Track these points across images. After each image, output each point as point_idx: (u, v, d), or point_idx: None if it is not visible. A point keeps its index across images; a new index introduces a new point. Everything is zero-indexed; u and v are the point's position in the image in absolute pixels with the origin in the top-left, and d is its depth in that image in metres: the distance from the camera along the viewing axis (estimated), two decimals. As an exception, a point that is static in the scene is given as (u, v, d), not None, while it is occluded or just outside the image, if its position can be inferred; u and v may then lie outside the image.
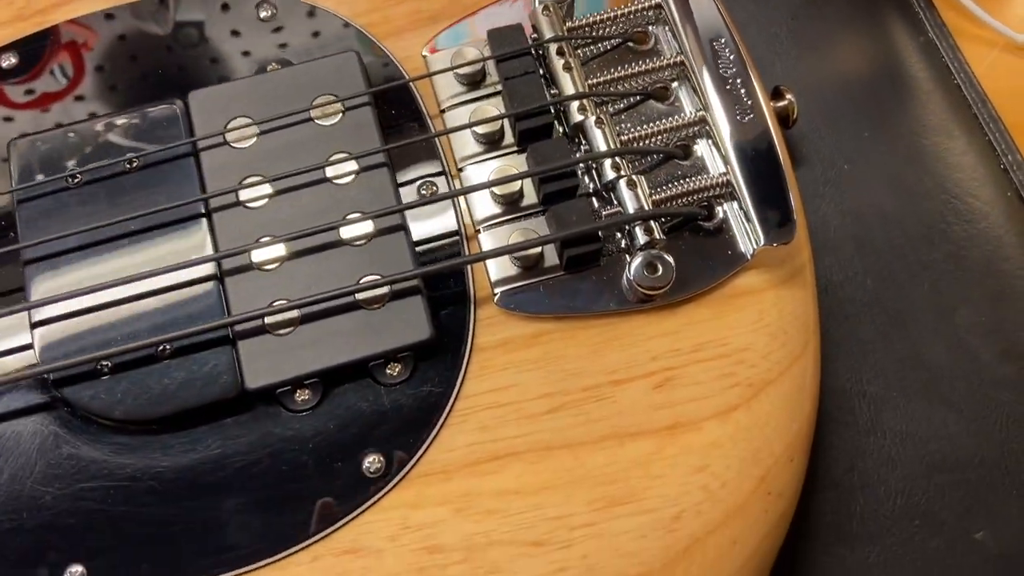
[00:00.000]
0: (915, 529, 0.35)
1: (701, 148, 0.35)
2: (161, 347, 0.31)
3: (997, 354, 0.38)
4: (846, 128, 0.41)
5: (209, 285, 0.32)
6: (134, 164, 0.34)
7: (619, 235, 0.33)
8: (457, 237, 0.33)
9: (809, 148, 0.41)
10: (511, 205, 0.34)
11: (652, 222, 0.32)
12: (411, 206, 0.33)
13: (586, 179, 0.34)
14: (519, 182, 0.33)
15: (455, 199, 0.34)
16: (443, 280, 0.33)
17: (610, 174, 0.33)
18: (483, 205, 0.34)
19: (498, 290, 0.33)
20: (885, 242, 0.40)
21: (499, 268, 0.33)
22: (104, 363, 0.31)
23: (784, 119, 0.38)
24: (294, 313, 0.31)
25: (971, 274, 0.39)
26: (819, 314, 0.34)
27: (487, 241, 0.33)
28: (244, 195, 0.33)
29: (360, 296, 0.32)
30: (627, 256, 0.33)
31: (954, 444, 0.36)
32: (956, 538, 0.35)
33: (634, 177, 0.33)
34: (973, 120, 0.42)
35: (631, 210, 0.32)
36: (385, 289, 0.32)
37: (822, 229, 0.40)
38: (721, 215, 0.34)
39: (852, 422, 0.37)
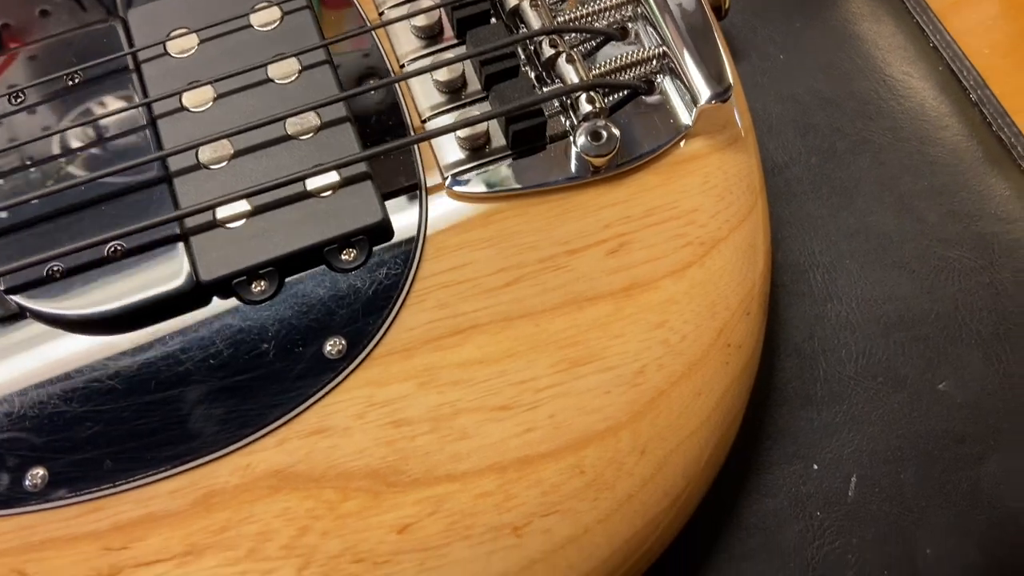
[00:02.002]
0: (878, 386, 0.34)
1: (638, 29, 0.34)
2: (112, 248, 0.30)
3: (942, 215, 0.37)
4: (778, 20, 0.41)
5: (158, 188, 0.30)
6: (76, 80, 0.33)
7: (563, 117, 0.32)
8: (403, 126, 0.32)
9: (744, 41, 0.41)
10: (455, 93, 0.33)
11: (594, 92, 0.32)
12: (354, 94, 0.32)
13: (528, 70, 0.33)
14: (461, 70, 0.33)
15: (398, 89, 0.33)
16: (393, 168, 0.32)
17: (548, 51, 0.32)
18: (427, 95, 0.33)
19: (448, 173, 0.32)
20: (825, 122, 0.39)
21: (448, 152, 0.32)
22: (55, 267, 0.30)
23: (717, 9, 0.38)
24: (245, 206, 0.30)
25: (910, 144, 0.38)
26: (765, 184, 0.34)
27: (434, 128, 0.32)
28: (187, 100, 0.32)
29: (310, 185, 0.31)
30: (572, 132, 0.32)
31: (908, 303, 0.36)
32: (920, 391, 0.34)
33: (572, 52, 0.33)
34: (900, 5, 0.42)
35: (572, 83, 0.32)
36: (335, 177, 0.31)
37: (764, 117, 0.39)
38: (661, 89, 0.33)
39: (808, 292, 0.36)
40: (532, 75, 0.33)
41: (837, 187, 0.38)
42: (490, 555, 0.27)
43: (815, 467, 0.33)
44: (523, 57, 0.34)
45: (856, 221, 0.37)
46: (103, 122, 0.32)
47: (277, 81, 0.32)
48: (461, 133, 0.32)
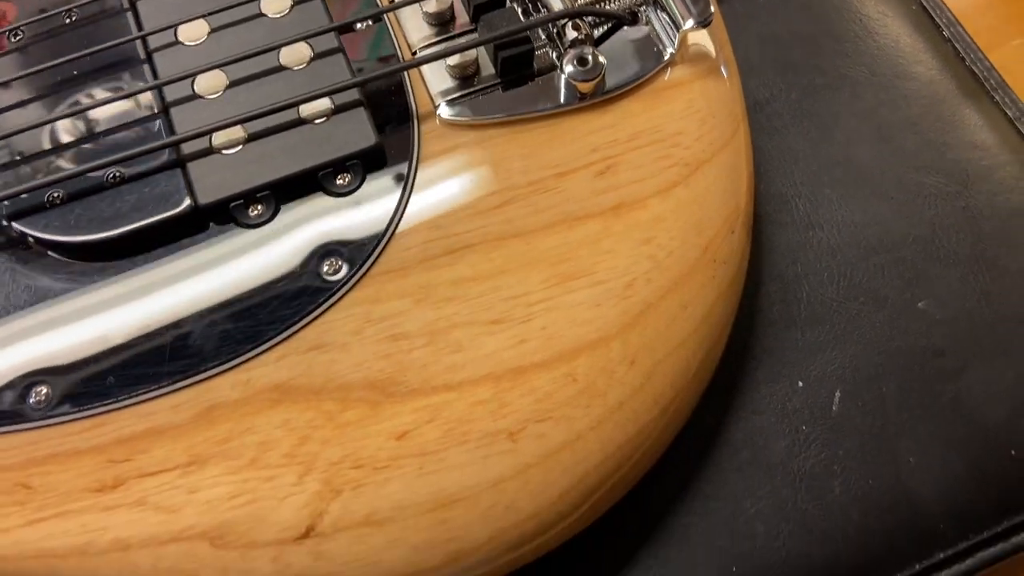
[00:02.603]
0: (860, 307, 0.35)
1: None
2: (111, 174, 0.30)
3: (918, 145, 0.38)
4: (757, -37, 0.42)
5: (155, 118, 0.31)
6: (73, 18, 0.33)
7: (550, 49, 0.33)
8: (394, 56, 0.33)
9: (725, -16, 0.42)
10: (444, 25, 0.33)
11: (579, 20, 0.32)
12: (343, 24, 0.32)
13: (515, 5, 0.34)
14: (450, 2, 0.33)
15: (388, 21, 0.33)
16: (385, 98, 0.32)
17: (534, -20, 0.34)
18: (417, 28, 0.33)
19: (439, 101, 0.32)
20: (804, 60, 0.40)
21: (439, 81, 0.32)
22: (55, 193, 0.30)
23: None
24: (240, 133, 0.31)
25: (886, 79, 0.39)
26: (747, 112, 0.35)
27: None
28: (183, 34, 0.32)
29: (303, 112, 0.31)
30: (559, 61, 0.33)
31: (888, 228, 0.36)
32: (900, 310, 0.35)
33: (559, -18, 0.34)
34: (874, -52, 0.43)
35: (557, 10, 0.32)
36: (327, 103, 0.31)
37: (745, 56, 0.40)
38: (646, 19, 0.34)
39: (790, 221, 0.37)
40: (518, 8, 0.34)
41: (817, 121, 0.38)
42: (486, 459, 0.28)
43: (800, 384, 0.34)
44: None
45: (836, 152, 0.38)
46: (101, 55, 0.32)
47: (270, 15, 0.33)
48: (451, 61, 0.32)
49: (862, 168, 0.38)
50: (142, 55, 0.32)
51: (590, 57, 0.32)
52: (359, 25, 0.34)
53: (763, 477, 0.33)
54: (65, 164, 0.30)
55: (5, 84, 0.32)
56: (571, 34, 0.32)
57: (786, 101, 0.39)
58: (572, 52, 0.32)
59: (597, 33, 0.34)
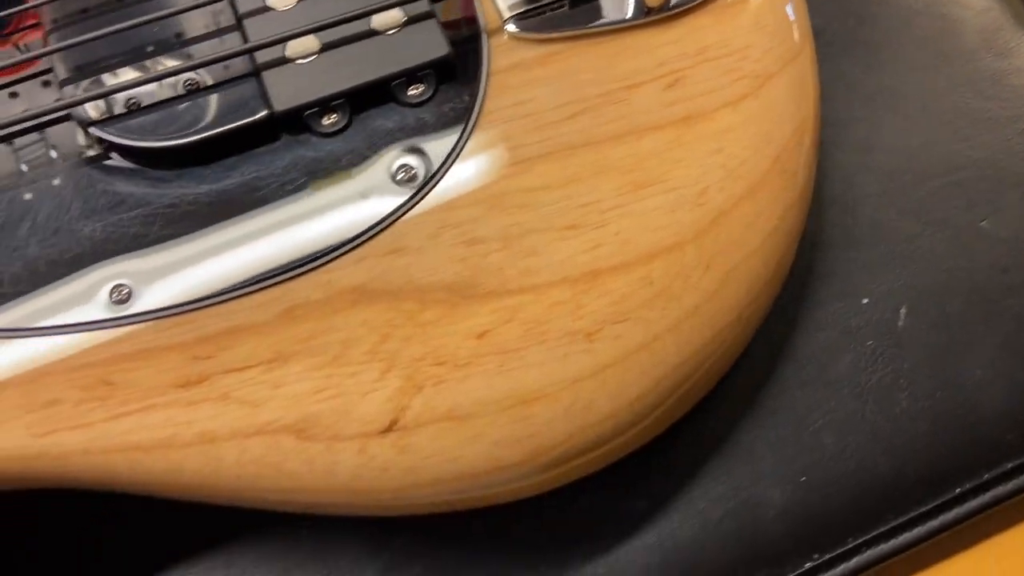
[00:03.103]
0: (921, 228, 0.35)
1: None
2: (188, 82, 0.30)
3: (975, 71, 0.37)
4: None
5: (229, 30, 0.31)
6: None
7: None
8: None
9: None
10: (511, -57, 0.34)
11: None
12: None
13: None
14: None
15: None
16: (454, 11, 0.32)
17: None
18: None
19: (507, 15, 0.32)
20: (860, -9, 0.40)
21: (506, -1, 0.34)
22: (133, 99, 0.30)
23: None
24: (314, 43, 0.31)
25: (942, 7, 0.39)
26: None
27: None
28: (254, -51, 0.33)
29: (375, 22, 0.31)
30: None
31: (946, 151, 0.36)
32: (962, 230, 0.35)
33: (626, -100, 0.34)
34: None
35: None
36: (399, 14, 0.31)
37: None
38: (711, -61, 0.35)
39: (847, 145, 0.37)
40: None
41: (872, 48, 0.38)
42: (565, 358, 0.28)
43: (864, 301, 0.34)
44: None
45: (891, 80, 0.38)
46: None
47: (340, -70, 0.33)
48: (526, -26, 0.32)
49: (919, 95, 0.38)
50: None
51: (660, -29, 0.32)
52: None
53: (829, 391, 0.33)
54: (143, 72, 0.31)
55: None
56: (639, -51, 0.33)
57: (841, 28, 0.39)
58: (641, -34, 0.32)
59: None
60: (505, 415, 0.27)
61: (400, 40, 0.31)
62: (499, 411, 0.27)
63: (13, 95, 0.32)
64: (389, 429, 0.27)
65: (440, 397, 0.27)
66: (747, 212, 0.30)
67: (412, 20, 0.31)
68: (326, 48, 0.31)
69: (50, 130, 0.31)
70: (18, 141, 0.31)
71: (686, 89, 0.31)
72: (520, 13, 0.32)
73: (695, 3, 0.32)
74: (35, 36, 0.33)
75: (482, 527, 0.32)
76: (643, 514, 0.32)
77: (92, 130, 0.30)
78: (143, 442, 0.26)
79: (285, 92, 0.30)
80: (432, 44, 0.31)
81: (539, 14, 0.32)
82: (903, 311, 0.34)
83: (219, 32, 0.31)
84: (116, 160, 0.30)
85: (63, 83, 0.31)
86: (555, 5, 0.33)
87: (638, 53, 0.32)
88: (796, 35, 0.33)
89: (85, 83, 0.31)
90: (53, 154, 0.30)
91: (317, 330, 0.28)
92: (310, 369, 0.27)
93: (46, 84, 0.32)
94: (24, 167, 0.30)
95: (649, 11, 0.32)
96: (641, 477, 0.32)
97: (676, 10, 0.32)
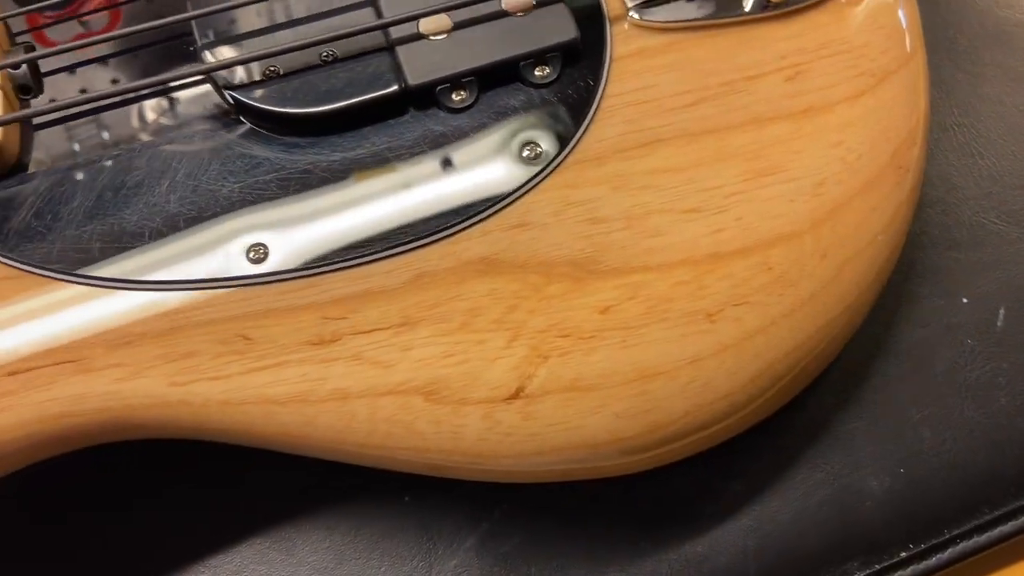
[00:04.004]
0: (1021, 232, 0.35)
1: None
2: (326, 53, 0.31)
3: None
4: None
5: (364, 5, 0.32)
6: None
7: None
8: None
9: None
10: (634, -65, 0.35)
11: (773, -69, 0.33)
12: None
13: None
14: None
15: None
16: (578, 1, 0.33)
17: None
18: None
19: (631, 2, 0.33)
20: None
21: (629, -14, 0.34)
22: (273, 67, 0.31)
23: None
24: (447, 21, 0.31)
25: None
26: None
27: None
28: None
29: (506, 4, 0.32)
30: None
31: (1048, 159, 0.37)
32: (1062, 236, 0.35)
33: None
34: None
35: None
36: (529, -1, 0.33)
37: None
38: (830, -62, 0.35)
39: (950, 148, 0.37)
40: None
41: (973, 58, 0.38)
42: (685, 337, 0.28)
43: (964, 300, 0.34)
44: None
45: (995, 90, 0.38)
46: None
47: (470, -86, 0.34)
48: (648, -37, 0.33)
49: (1020, 104, 0.38)
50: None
51: (785, -34, 0.33)
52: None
53: (928, 386, 0.33)
54: (281, 41, 0.31)
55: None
56: (766, -56, 0.33)
57: (942, 38, 0.39)
58: (766, -39, 0.33)
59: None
60: (626, 388, 0.28)
61: (530, 22, 0.31)
62: (621, 384, 0.28)
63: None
64: (515, 396, 0.27)
65: (565, 368, 0.28)
66: (862, 206, 0.30)
67: (542, 3, 0.32)
68: (458, 27, 0.31)
69: (189, 91, 0.31)
70: (159, 101, 0.31)
71: (806, 82, 0.32)
72: (643, 1, 0.33)
73: (814, 0, 0.34)
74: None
75: (582, 500, 0.32)
76: (741, 496, 0.32)
77: (232, 94, 0.31)
78: (279, 396, 0.27)
79: (419, 67, 0.31)
80: (561, 28, 0.31)
81: (661, 3, 0.33)
82: (1002, 312, 0.34)
83: (355, 6, 0.32)
84: (252, 124, 0.31)
85: (202, 48, 0.32)
86: (677, -5, 0.34)
87: (758, 45, 0.32)
88: (910, 38, 0.33)
89: (224, 49, 0.31)
90: (191, 116, 0.31)
91: (444, 297, 0.28)
92: (438, 335, 0.28)
93: (186, 48, 0.32)
94: (163, 126, 0.31)
95: (769, 5, 0.33)
96: (740, 460, 0.32)
97: (795, 6, 0.33)
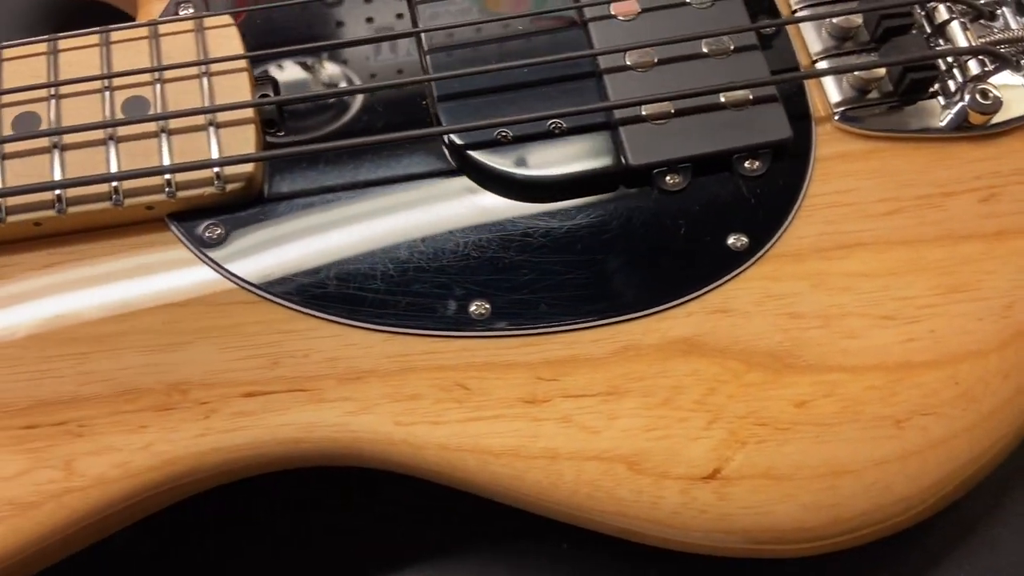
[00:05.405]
0: None
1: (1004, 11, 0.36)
2: (553, 124, 0.32)
3: None
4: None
5: (591, 80, 0.33)
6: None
7: (946, 76, 0.34)
8: (793, 59, 0.34)
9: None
10: (843, 40, 0.35)
11: (983, 57, 0.34)
12: (763, 26, 0.34)
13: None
14: (858, 20, 0.34)
15: (790, 35, 0.34)
16: (786, 98, 0.33)
17: (944, 15, 0.34)
18: (818, 39, 0.34)
19: (836, 109, 0.34)
20: None
21: (837, 91, 0.34)
22: (504, 132, 0.32)
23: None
24: (668, 108, 0.33)
25: None
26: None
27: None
28: (615, 8, 0.34)
29: (724, 97, 0.33)
30: (961, 89, 0.33)
31: None
32: None
33: (964, 20, 0.35)
34: None
35: (964, 46, 0.33)
36: (745, 93, 0.33)
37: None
38: (1027, 67, 0.36)
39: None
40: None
41: None
42: (874, 440, 0.29)
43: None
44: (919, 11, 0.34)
45: None
46: (545, 20, 0.34)
47: (694, 4, 0.34)
48: (863, 74, 0.34)
49: None
50: (579, 20, 0.34)
51: (992, 93, 0.33)
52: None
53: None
54: (513, 107, 0.32)
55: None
56: (974, 69, 0.34)
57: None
58: (975, 85, 0.33)
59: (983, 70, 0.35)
60: (816, 482, 0.29)
61: (747, 117, 0.33)
62: (811, 477, 0.29)
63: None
64: (712, 476, 0.29)
65: (760, 455, 0.29)
66: (1046, 332, 0.32)
67: (759, 100, 0.33)
68: (679, 113, 0.33)
69: (418, 144, 0.32)
70: (390, 150, 0.32)
71: (1000, 205, 0.33)
72: (848, 107, 0.34)
73: (1014, 127, 0.34)
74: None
75: (739, 570, 0.32)
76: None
77: (464, 153, 0.32)
78: (495, 447, 0.29)
79: (640, 148, 0.32)
80: (776, 126, 0.32)
81: (865, 110, 0.34)
82: None
83: (579, 80, 0.33)
84: (476, 183, 0.32)
85: (439, 99, 0.33)
86: (882, 104, 0.34)
87: (955, 164, 0.33)
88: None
89: (459, 109, 0.32)
90: (419, 168, 0.32)
91: (648, 372, 0.30)
92: (642, 408, 0.29)
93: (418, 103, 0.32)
94: (392, 176, 0.32)
95: (971, 127, 0.34)
96: (890, 552, 0.33)
97: (995, 130, 0.34)
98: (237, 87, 0.32)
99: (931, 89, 0.34)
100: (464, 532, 0.34)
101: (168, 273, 0.30)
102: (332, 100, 0.34)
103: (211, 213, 0.31)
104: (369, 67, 0.35)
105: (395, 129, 0.33)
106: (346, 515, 0.34)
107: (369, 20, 0.35)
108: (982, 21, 0.36)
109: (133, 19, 0.38)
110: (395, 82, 0.33)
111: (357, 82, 0.34)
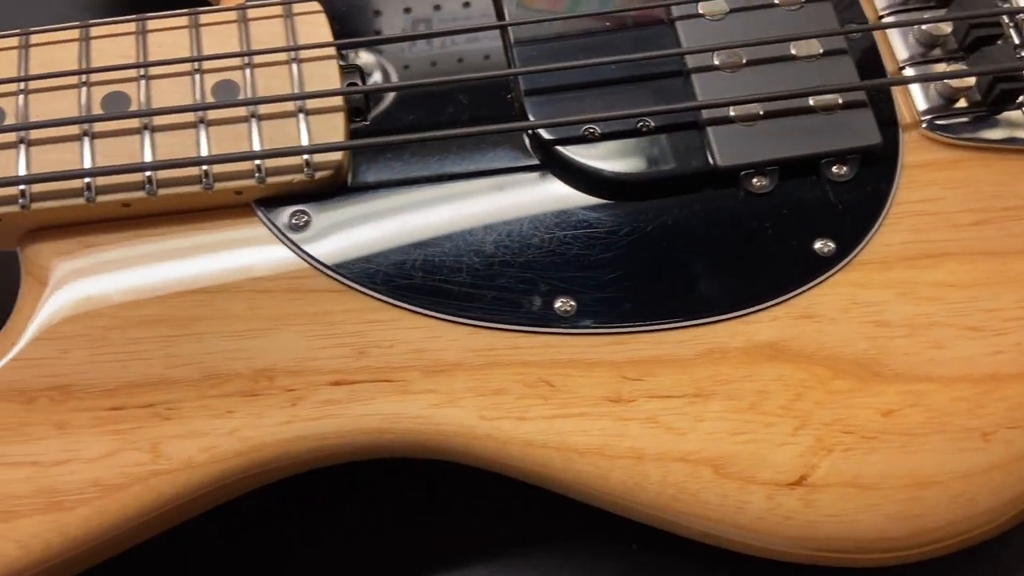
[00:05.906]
0: None
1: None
2: (641, 123, 0.32)
3: None
4: None
5: (678, 78, 0.32)
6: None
7: None
8: (881, 69, 0.33)
9: None
10: (930, 48, 0.35)
11: (1076, 69, 0.34)
12: (851, 31, 0.33)
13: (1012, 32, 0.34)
14: (947, 28, 0.34)
15: (878, 40, 0.34)
16: (874, 104, 0.33)
17: (1035, 26, 0.34)
18: (905, 46, 0.34)
19: (924, 117, 0.33)
20: None
21: (924, 98, 0.33)
22: (591, 128, 0.31)
23: None
24: (757, 110, 0.32)
25: None
26: None
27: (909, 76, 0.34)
28: (703, 7, 0.33)
29: (813, 101, 0.32)
30: None
31: None
32: None
33: (1056, 31, 0.34)
34: None
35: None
36: (835, 98, 0.32)
37: None
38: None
39: None
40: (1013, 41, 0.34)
41: None
42: (961, 452, 0.29)
43: None
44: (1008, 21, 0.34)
45: None
46: (635, 15, 0.33)
47: (783, 6, 0.34)
48: (952, 83, 0.33)
49: None
50: (667, 19, 0.33)
51: (1083, 106, 0.33)
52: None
53: None
54: (602, 103, 0.31)
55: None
56: (1067, 80, 0.33)
57: None
58: (1067, 97, 0.33)
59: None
60: (902, 492, 0.28)
61: (836, 121, 0.32)
62: (897, 488, 0.28)
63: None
64: (798, 483, 0.28)
65: (847, 463, 0.28)
66: None
67: (848, 105, 0.32)
68: (767, 116, 0.32)
69: (504, 138, 0.32)
70: (481, 142, 0.32)
71: (1087, 221, 0.33)
72: (935, 116, 0.33)
73: (1101, 141, 0.34)
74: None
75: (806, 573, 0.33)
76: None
77: (551, 148, 0.31)
78: (580, 445, 0.28)
79: (728, 150, 0.31)
80: (865, 131, 0.32)
81: (952, 119, 0.34)
82: None
83: (666, 79, 0.33)
84: (561, 180, 0.31)
85: (527, 93, 0.32)
86: (968, 113, 0.34)
87: (1042, 177, 0.34)
88: None
89: (546, 104, 0.31)
90: (504, 160, 0.32)
91: (734, 376, 0.29)
92: (728, 411, 0.29)
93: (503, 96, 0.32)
94: (478, 170, 0.31)
95: (1056, 139, 0.34)
96: (966, 563, 0.33)
97: (1082, 144, 0.34)
98: (326, 74, 0.32)
99: (1019, 100, 0.34)
100: (534, 529, 0.34)
101: (254, 259, 0.30)
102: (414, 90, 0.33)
103: (296, 200, 0.31)
104: (404, 59, 0.34)
105: (480, 123, 0.32)
106: (419, 508, 0.34)
107: (407, 11, 0.34)
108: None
109: (210, 2, 0.39)
110: (489, 74, 0.33)
111: (393, 75, 0.33)
